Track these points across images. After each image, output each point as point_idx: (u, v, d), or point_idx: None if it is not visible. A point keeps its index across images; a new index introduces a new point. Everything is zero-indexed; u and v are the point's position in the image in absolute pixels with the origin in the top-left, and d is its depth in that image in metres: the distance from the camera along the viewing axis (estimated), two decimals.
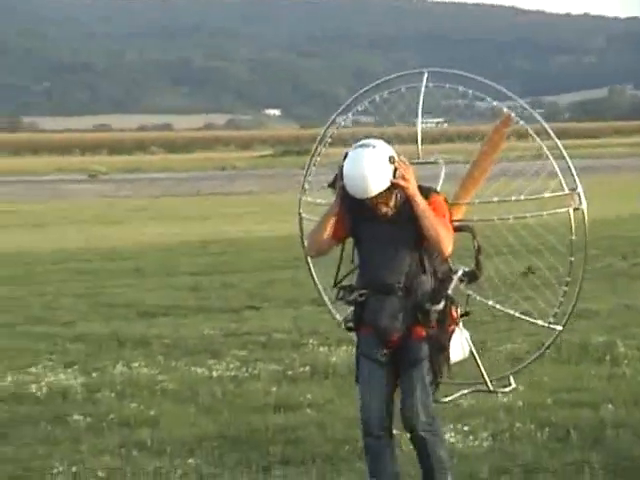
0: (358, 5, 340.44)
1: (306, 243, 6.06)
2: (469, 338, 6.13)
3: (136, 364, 10.90)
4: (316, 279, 7.00)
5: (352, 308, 5.89)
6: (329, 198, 6.04)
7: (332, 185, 5.85)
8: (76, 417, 8.67)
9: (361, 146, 5.62)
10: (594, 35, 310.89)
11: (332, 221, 5.73)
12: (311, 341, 11.91)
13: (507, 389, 6.94)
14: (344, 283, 5.89)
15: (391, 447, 5.78)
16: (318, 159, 6.98)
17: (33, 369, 10.92)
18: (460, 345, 5.89)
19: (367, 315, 5.68)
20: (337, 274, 5.96)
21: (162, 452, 7.67)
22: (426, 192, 5.66)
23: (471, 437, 7.65)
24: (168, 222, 33.30)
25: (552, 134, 6.39)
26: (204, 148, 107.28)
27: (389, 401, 5.71)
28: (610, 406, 8.50)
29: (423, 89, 6.65)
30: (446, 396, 6.49)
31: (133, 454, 7.61)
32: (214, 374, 10.45)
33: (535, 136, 6.36)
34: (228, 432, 8.12)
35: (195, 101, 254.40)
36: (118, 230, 30.78)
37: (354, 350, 6.04)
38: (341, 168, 5.66)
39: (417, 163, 6.22)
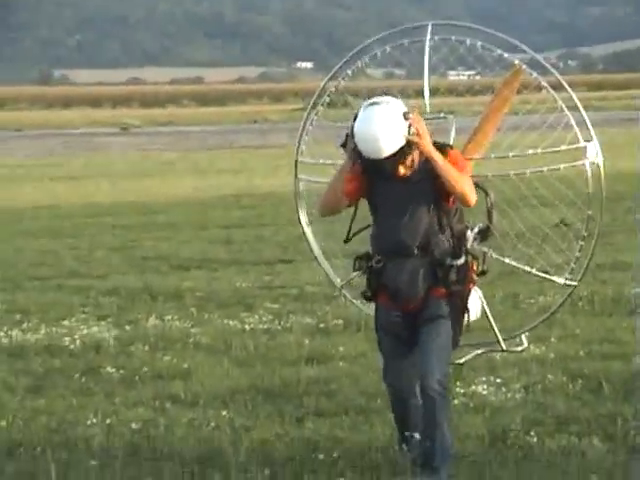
0: None
1: (318, 202, 5.87)
2: (482, 296, 6.02)
3: (169, 317, 11.00)
4: (312, 242, 6.95)
5: (365, 276, 5.73)
6: (333, 158, 6.04)
7: (344, 145, 5.62)
8: (109, 370, 8.75)
9: (372, 104, 5.40)
10: None
11: (345, 180, 5.58)
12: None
13: (519, 348, 6.80)
14: (360, 252, 5.77)
15: (418, 407, 5.69)
16: (315, 117, 6.78)
17: (67, 322, 11.01)
18: (475, 304, 5.80)
19: (386, 281, 5.57)
20: (348, 233, 5.87)
21: (195, 404, 7.71)
22: (442, 148, 5.55)
23: (503, 389, 7.66)
24: (201, 175, 33.25)
25: (566, 85, 6.27)
26: (236, 101, 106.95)
27: (411, 371, 5.64)
28: None
29: (428, 42, 6.44)
30: (460, 357, 6.39)
31: (166, 406, 7.67)
32: (247, 327, 10.51)
33: (549, 88, 6.18)
34: (261, 384, 8.14)
35: (227, 54, 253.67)
36: (151, 183, 30.80)
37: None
38: (352, 128, 5.44)
39: (426, 119, 5.85)
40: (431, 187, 5.41)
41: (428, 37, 6.45)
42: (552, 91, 6.17)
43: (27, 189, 30.03)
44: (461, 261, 5.52)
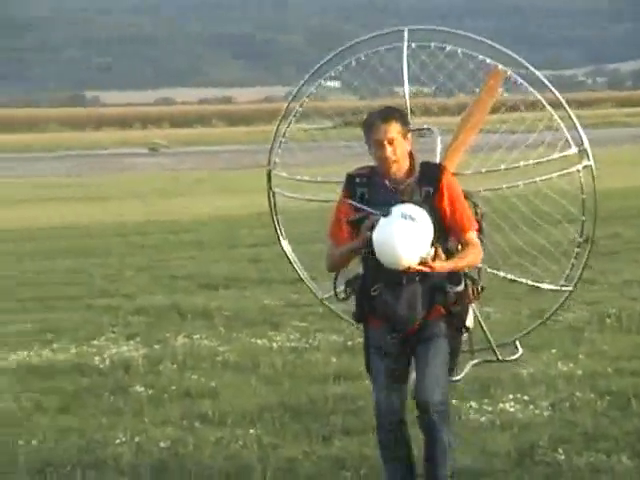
0: None
1: (326, 264, 5.73)
2: (475, 308, 6.01)
3: (197, 336, 11.09)
4: (294, 259, 7.34)
5: (353, 300, 5.66)
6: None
7: (354, 222, 5.40)
8: (138, 389, 8.86)
9: (405, 217, 5.06)
10: None
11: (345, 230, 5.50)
12: None
13: (514, 357, 6.88)
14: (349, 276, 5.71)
15: (406, 436, 5.61)
16: (288, 130, 7.12)
17: (96, 341, 11.12)
18: (469, 315, 5.70)
19: (380, 307, 5.44)
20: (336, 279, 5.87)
21: (223, 423, 7.74)
22: (436, 172, 5.45)
23: (531, 407, 7.70)
24: (229, 194, 33.35)
25: (557, 94, 6.34)
26: (264, 120, 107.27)
27: (404, 397, 5.55)
28: None
29: (405, 49, 6.30)
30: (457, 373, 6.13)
31: (195, 425, 7.74)
32: (274, 345, 10.57)
33: (536, 93, 6.29)
34: (289, 403, 8.19)
35: (255, 74, 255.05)
36: (179, 203, 30.94)
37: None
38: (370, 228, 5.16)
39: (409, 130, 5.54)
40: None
41: (405, 44, 6.33)
42: (539, 96, 6.27)
43: (57, 209, 30.32)
44: (461, 287, 5.44)
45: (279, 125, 7.04)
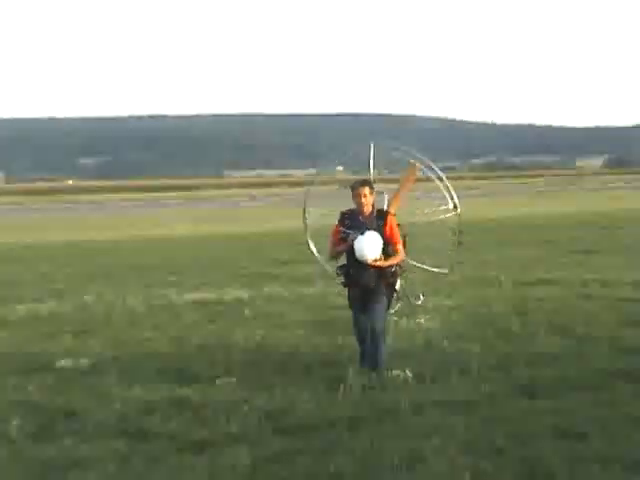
0: None
1: (328, 255, 11.75)
2: (400, 279, 11.89)
3: None
4: (316, 253, 13.73)
5: (342, 276, 11.23)
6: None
7: (345, 237, 11.05)
8: None
9: (368, 236, 10.72)
10: None
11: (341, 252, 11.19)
12: None
13: (419, 301, 13.88)
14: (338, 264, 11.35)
15: (365, 336, 11.11)
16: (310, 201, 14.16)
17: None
18: (397, 284, 11.67)
19: (354, 279, 11.01)
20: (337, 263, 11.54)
21: None
22: (384, 213, 11.20)
23: (430, 318, 15.12)
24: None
25: (442, 175, 13.37)
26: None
27: (365, 320, 11.04)
28: None
29: (372, 153, 13.18)
30: (392, 309, 12.22)
31: None
32: None
33: (435, 178, 13.45)
34: None
35: None
36: None
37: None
38: (352, 239, 10.77)
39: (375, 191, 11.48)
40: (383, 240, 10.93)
41: (372, 150, 13.18)
42: (437, 179, 13.50)
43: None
44: (394, 269, 11.19)
45: (309, 188, 14.75)
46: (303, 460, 7.61)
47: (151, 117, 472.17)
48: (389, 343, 11.44)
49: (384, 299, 11.02)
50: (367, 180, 11.47)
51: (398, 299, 12.30)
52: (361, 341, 11.11)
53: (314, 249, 13.60)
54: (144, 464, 7.76)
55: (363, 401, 9.63)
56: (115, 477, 7.53)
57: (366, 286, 10.86)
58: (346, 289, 11.25)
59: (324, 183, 15.61)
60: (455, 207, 12.98)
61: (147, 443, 8.35)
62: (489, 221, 42.81)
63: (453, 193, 13.03)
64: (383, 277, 10.90)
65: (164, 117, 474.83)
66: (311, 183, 14.68)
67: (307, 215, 13.67)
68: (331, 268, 12.14)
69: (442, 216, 13.07)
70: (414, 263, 12.71)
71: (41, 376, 11.27)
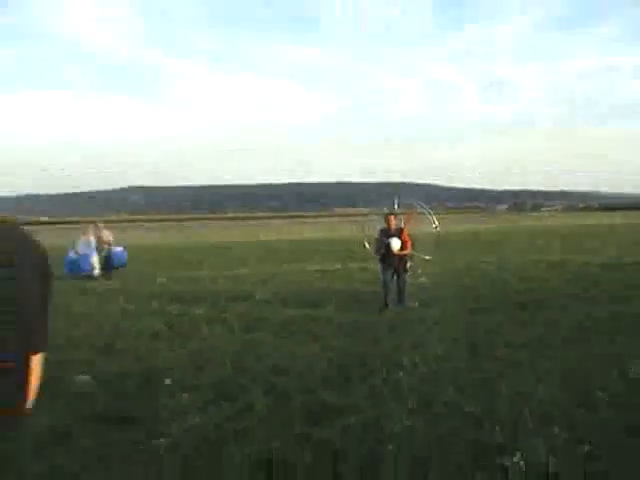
0: None
1: (374, 251, 19.61)
2: (410, 260, 20.15)
3: None
4: (368, 247, 22.96)
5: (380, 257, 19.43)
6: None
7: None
8: None
9: (395, 240, 19.05)
10: None
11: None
12: None
13: (418, 272, 25.57)
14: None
15: (391, 289, 19.09)
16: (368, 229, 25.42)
17: None
18: (408, 263, 19.77)
19: (387, 261, 19.12)
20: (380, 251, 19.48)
21: None
22: (402, 230, 19.14)
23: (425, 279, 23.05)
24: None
25: (430, 210, 22.99)
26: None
27: (393, 281, 19.23)
28: None
29: (396, 201, 21.44)
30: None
31: None
32: None
33: (427, 214, 22.83)
34: None
35: None
36: None
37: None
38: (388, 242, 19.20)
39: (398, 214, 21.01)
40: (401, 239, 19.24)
41: (397, 202, 21.36)
42: (427, 214, 22.86)
43: None
44: (407, 258, 19.35)
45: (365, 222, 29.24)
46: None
47: None
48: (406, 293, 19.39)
49: (404, 271, 19.36)
50: (393, 212, 19.72)
51: (407, 271, 19.77)
52: (386, 294, 18.95)
53: (368, 246, 23.27)
54: None
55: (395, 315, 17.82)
56: None
57: (393, 265, 19.16)
58: (381, 266, 19.42)
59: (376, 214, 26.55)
60: (436, 227, 22.77)
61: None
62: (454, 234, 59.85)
63: (435, 219, 22.61)
64: (402, 260, 19.26)
65: None
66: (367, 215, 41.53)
67: (366, 229, 26.04)
68: (375, 256, 20.08)
69: (431, 230, 23.06)
70: (415, 253, 21.08)
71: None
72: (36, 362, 5.25)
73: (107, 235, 31.10)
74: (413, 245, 19.71)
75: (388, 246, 19.02)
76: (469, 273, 27.75)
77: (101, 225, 31.60)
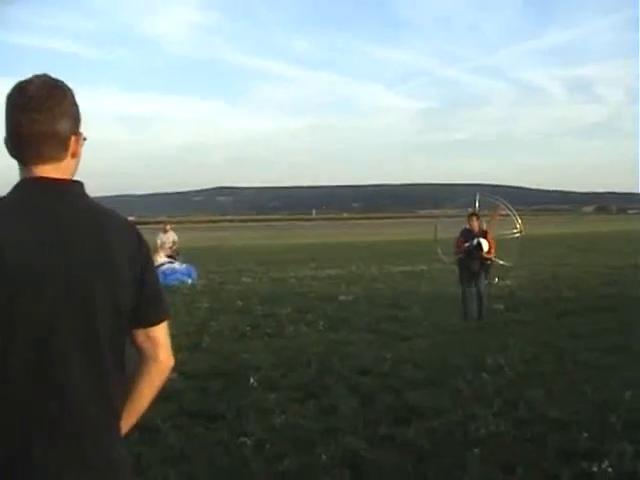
0: None
1: (455, 251, 18.53)
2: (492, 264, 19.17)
3: None
4: (441, 254, 22.23)
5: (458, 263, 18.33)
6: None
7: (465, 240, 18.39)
8: None
9: (481, 240, 17.83)
10: None
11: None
12: None
13: (495, 281, 23.73)
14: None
15: (470, 299, 17.80)
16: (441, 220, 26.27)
17: None
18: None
19: (467, 265, 17.83)
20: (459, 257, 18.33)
21: None
22: (485, 232, 18.00)
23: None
24: None
25: (513, 212, 22.77)
26: None
27: (473, 291, 17.88)
28: None
29: (477, 199, 21.40)
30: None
31: None
32: None
33: (511, 213, 22.77)
34: None
35: None
36: None
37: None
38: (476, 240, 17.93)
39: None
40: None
41: (477, 198, 21.38)
42: (512, 214, 22.74)
43: None
44: (489, 262, 18.23)
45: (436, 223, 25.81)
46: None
47: None
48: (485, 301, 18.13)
49: (483, 277, 18.12)
50: (476, 212, 19.00)
51: (488, 279, 19.04)
52: (467, 304, 17.82)
53: (441, 254, 22.31)
54: None
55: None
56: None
57: (474, 270, 17.80)
58: (460, 272, 18.19)
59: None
60: (520, 230, 22.46)
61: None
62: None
63: (519, 221, 22.32)
64: (482, 266, 17.93)
65: None
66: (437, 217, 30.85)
67: (438, 233, 23.80)
68: (447, 260, 21.38)
69: (514, 234, 22.61)
70: (496, 259, 19.64)
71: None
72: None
73: (169, 238, 29.40)
74: (495, 250, 18.50)
75: (476, 247, 17.54)
76: (555, 276, 27.69)
77: (168, 227, 30.08)
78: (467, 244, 17.74)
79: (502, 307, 19.13)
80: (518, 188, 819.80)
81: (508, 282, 24.83)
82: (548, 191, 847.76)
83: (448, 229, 22.01)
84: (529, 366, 12.07)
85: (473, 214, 18.43)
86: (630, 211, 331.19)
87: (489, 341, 14.37)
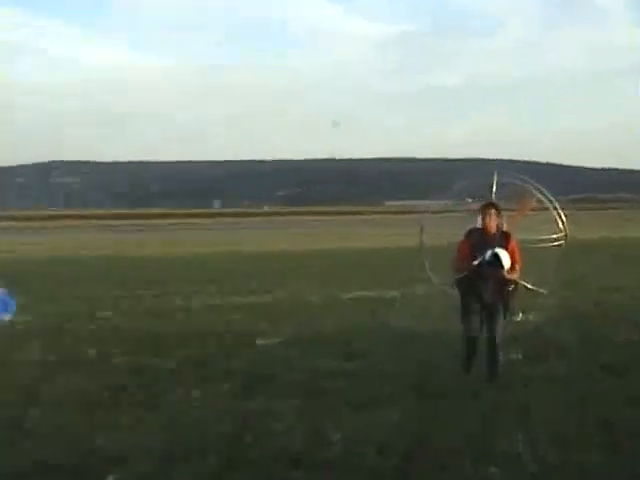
0: None
1: (454, 269, 11.78)
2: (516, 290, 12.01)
3: None
4: (429, 269, 13.54)
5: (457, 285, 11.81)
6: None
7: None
8: None
9: (499, 251, 11.36)
10: None
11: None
12: None
13: (518, 318, 15.29)
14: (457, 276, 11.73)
15: (477, 344, 11.64)
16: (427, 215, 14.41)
17: None
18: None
19: (476, 291, 11.48)
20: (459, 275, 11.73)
21: None
22: (507, 235, 11.61)
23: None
24: None
25: (556, 204, 12.96)
26: None
27: (484, 329, 11.57)
28: None
29: (495, 181, 12.39)
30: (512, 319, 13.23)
31: None
32: None
33: (550, 206, 12.98)
34: None
35: None
36: None
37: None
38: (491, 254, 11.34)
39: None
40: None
41: (495, 178, 12.39)
42: (551, 207, 12.96)
43: None
44: (511, 287, 11.68)
45: (422, 217, 14.70)
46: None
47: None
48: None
49: (502, 314, 11.59)
50: (494, 203, 11.92)
51: (507, 316, 12.06)
52: (470, 354, 11.66)
53: (428, 266, 13.83)
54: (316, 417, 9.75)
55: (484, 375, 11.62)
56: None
57: (486, 300, 11.47)
58: (463, 299, 11.74)
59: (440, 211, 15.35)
60: (565, 235, 13.12)
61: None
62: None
63: (564, 219, 13.13)
64: (500, 293, 11.53)
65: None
66: (421, 211, 17.71)
67: (424, 237, 14.03)
68: (439, 281, 13.55)
69: (553, 240, 13.26)
70: (524, 284, 12.42)
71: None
72: None
73: None
74: (521, 266, 11.82)
75: (491, 261, 11.39)
76: (599, 308, 19.57)
77: None
78: (477, 258, 11.42)
79: (520, 356, 13.14)
80: (548, 164, 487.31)
81: (530, 316, 17.13)
82: (595, 169, 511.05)
83: (440, 230, 13.94)
84: (562, 453, 8.04)
85: (489, 205, 11.73)
86: None
87: (499, 412, 9.78)
